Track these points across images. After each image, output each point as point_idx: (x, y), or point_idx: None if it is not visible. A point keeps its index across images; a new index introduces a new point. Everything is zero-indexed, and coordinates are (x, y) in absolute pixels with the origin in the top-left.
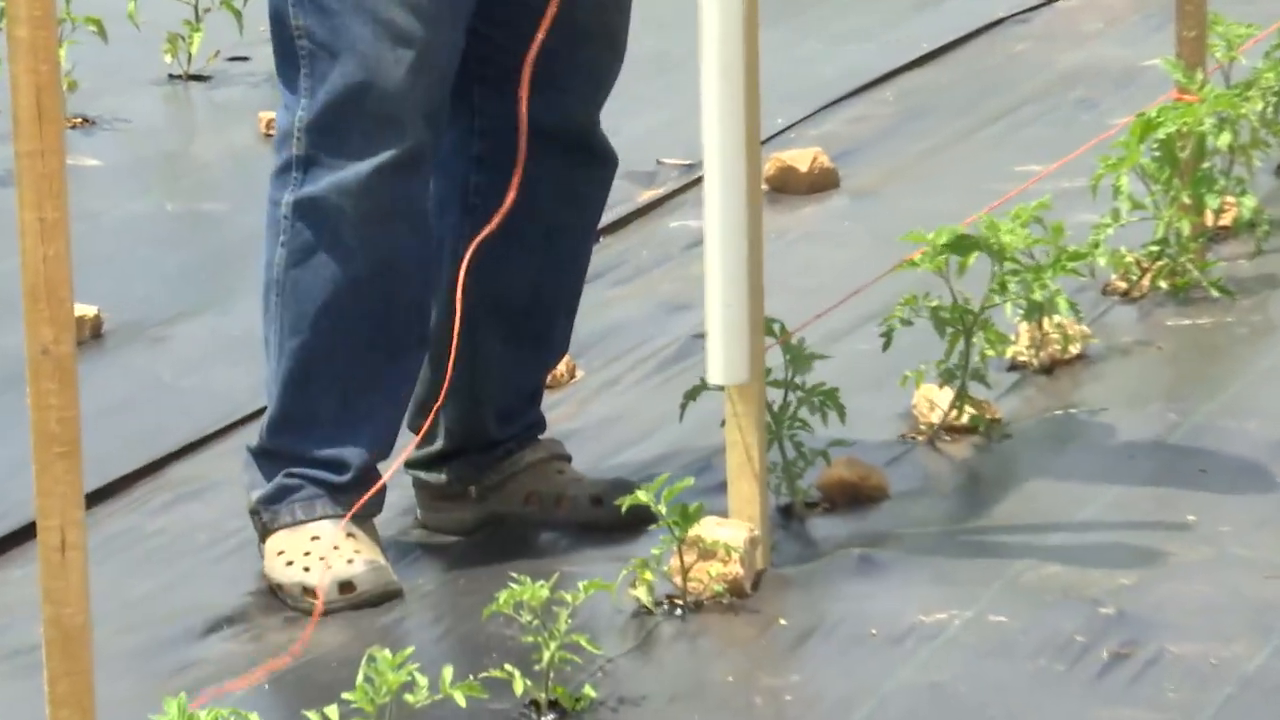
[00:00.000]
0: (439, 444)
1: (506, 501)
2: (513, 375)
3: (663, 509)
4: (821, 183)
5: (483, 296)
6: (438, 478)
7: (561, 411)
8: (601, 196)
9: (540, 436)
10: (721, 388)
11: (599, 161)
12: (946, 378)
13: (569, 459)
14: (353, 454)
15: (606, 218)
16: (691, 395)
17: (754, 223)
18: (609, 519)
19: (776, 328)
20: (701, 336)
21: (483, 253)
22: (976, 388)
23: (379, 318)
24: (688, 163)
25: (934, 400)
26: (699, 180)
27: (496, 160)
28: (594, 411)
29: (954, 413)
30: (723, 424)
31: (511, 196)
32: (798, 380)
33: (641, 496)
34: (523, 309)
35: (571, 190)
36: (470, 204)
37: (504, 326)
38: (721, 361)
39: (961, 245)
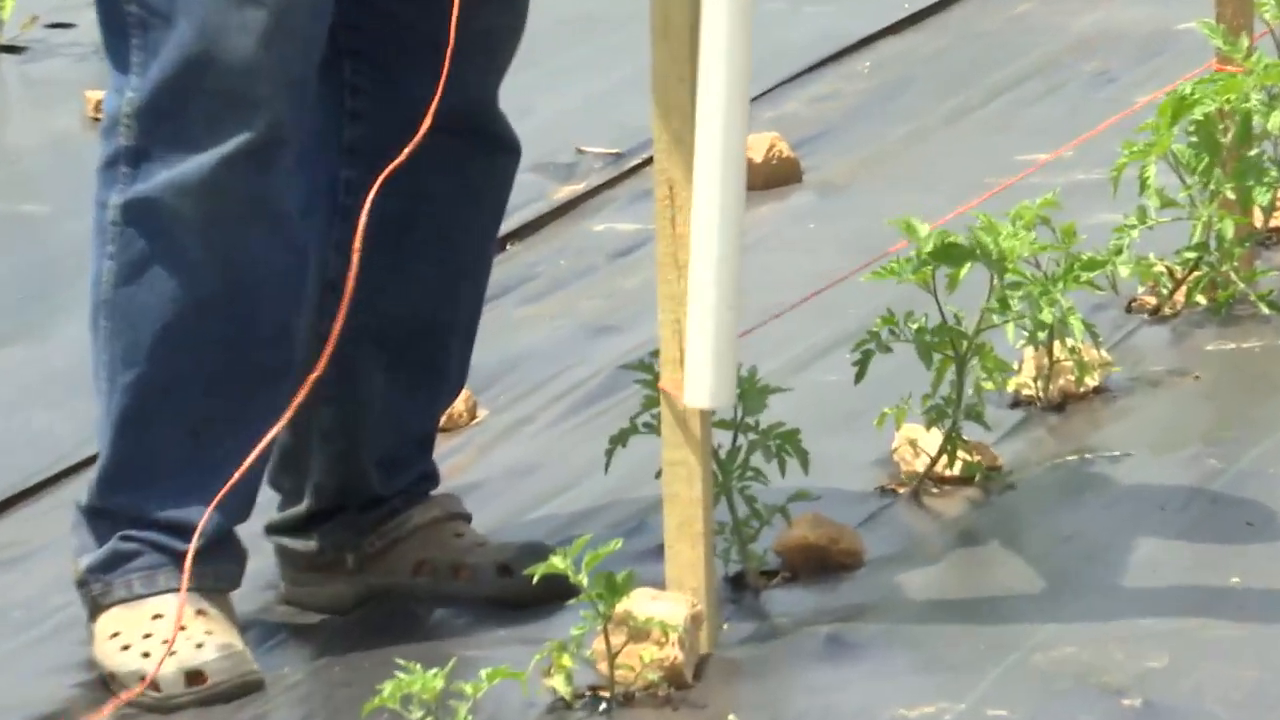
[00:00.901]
0: (306, 503)
1: (392, 572)
2: (398, 415)
3: (584, 579)
4: (779, 176)
5: (360, 317)
6: (306, 544)
7: (459, 460)
8: (503, 193)
9: (433, 492)
10: (711, 412)
11: (499, 149)
12: (934, 416)
13: (468, 519)
14: (203, 514)
15: (512, 220)
16: (620, 440)
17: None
18: (518, 592)
19: None
20: (632, 367)
21: (359, 263)
22: (971, 428)
23: (232, 345)
24: (615, 151)
25: (919, 444)
26: (630, 173)
27: (373, 149)
28: (499, 460)
29: (943, 459)
30: (658, 474)
31: (379, 188)
32: (750, 419)
33: (558, 564)
34: (409, 333)
35: (466, 185)
36: (342, 204)
37: (386, 355)
38: (710, 378)
39: (952, 253)
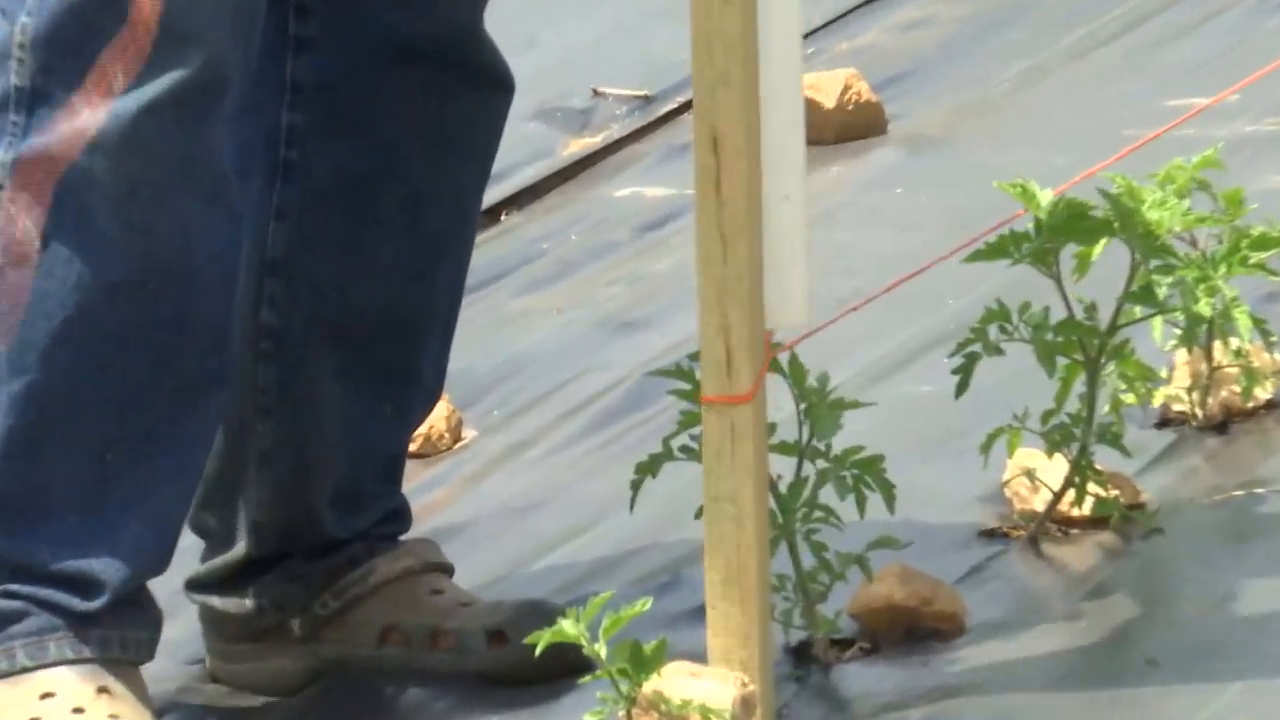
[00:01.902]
0: (239, 548)
1: (351, 641)
2: (358, 433)
3: (602, 650)
4: (856, 126)
5: (309, 306)
6: (240, 604)
7: (439, 494)
8: (491, 141)
9: (403, 536)
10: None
11: (486, 84)
12: (1058, 439)
13: (450, 571)
14: (108, 566)
15: (509, 183)
16: (649, 469)
17: (752, 191)
18: (515, 665)
19: (785, 359)
20: (665, 374)
21: (308, 238)
22: (1107, 454)
23: (153, 345)
24: (642, 94)
25: (1037, 475)
26: (661, 122)
27: (325, 87)
28: (491, 494)
29: (1070, 495)
30: (699, 514)
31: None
32: (819, 443)
33: (568, 629)
34: (373, 326)
35: (445, 133)
36: (285, 159)
37: (342, 354)
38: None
39: (1081, 226)
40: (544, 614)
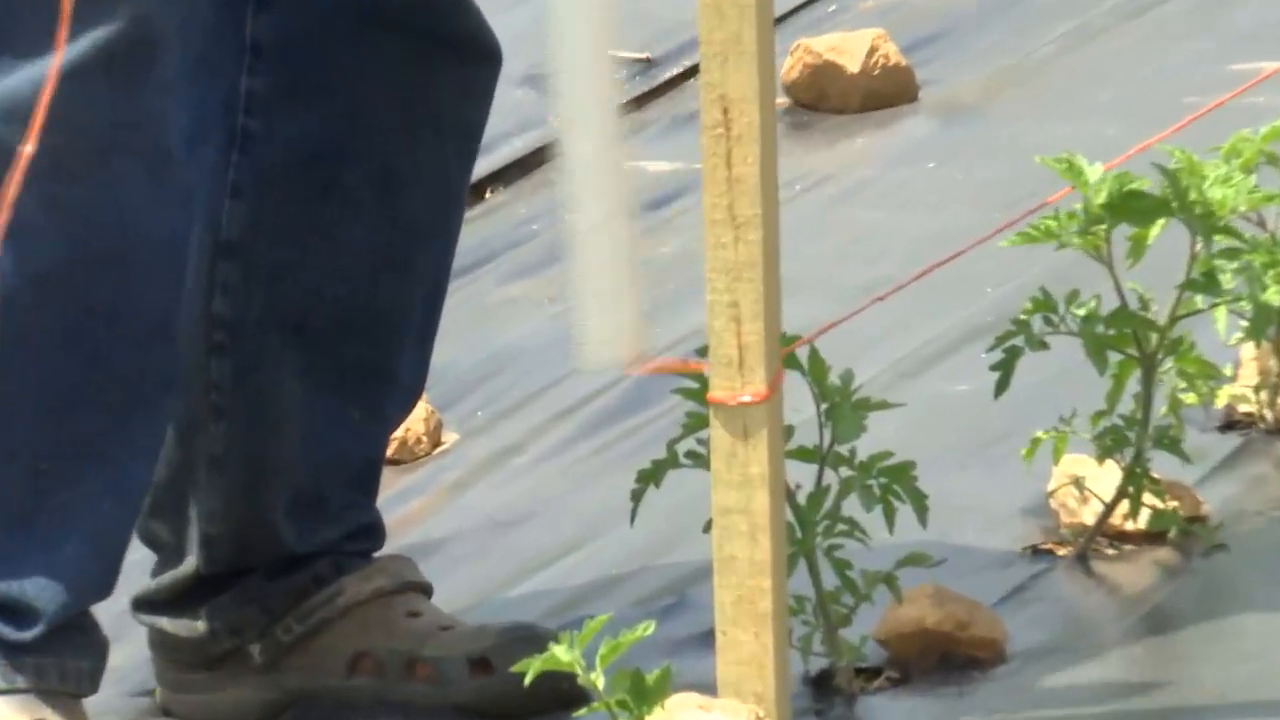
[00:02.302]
0: (191, 562)
1: (318, 670)
2: (324, 438)
3: (599, 679)
4: (884, 93)
5: (269, 295)
6: (192, 627)
7: (417, 506)
8: (476, 117)
9: (376, 553)
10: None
11: (471, 56)
12: (1110, 443)
13: (428, 591)
14: (44, 590)
15: (495, 157)
16: (652, 477)
17: (767, 167)
18: (500, 696)
19: (804, 354)
20: (670, 370)
21: (267, 218)
22: (1164, 461)
23: (87, 345)
24: (644, 57)
25: (1087, 484)
26: (665, 88)
27: (290, 51)
28: (474, 505)
29: (1123, 506)
30: (707, 527)
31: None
32: (842, 449)
33: (561, 656)
34: (342, 318)
35: (424, 106)
36: (242, 128)
37: (308, 350)
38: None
39: (1136, 205)
40: (533, 639)
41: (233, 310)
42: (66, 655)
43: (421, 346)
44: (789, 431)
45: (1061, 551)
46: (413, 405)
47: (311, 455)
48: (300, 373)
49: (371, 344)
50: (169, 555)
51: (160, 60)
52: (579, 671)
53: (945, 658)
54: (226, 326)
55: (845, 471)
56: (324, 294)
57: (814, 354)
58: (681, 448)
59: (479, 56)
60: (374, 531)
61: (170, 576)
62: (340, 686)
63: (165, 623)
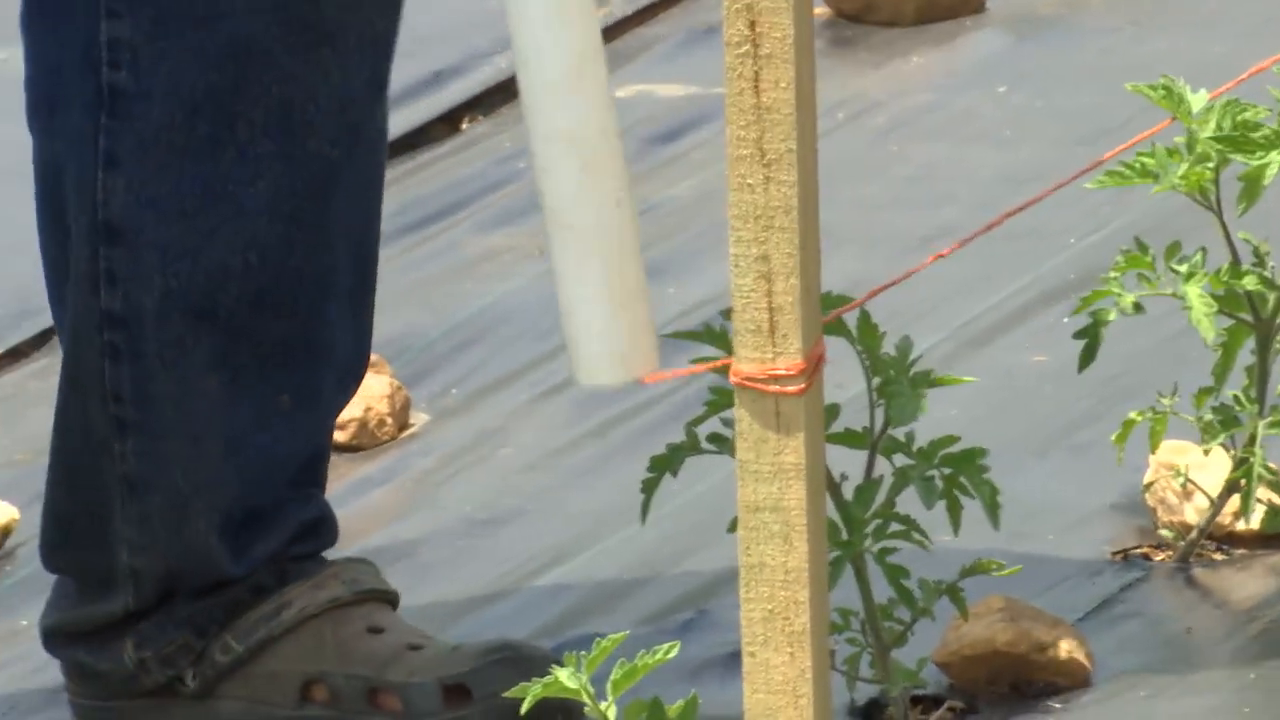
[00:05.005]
0: (119, 599)
1: (262, 696)
2: (248, 441)
3: (610, 710)
4: (944, 2)
5: (163, 283)
6: (115, 660)
7: (380, 501)
8: (385, 23)
9: (327, 552)
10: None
11: None
12: (1217, 427)
13: (394, 601)
14: None
15: (476, 77)
16: (667, 465)
17: (803, 92)
18: None
19: (851, 320)
20: (688, 337)
21: (151, 188)
22: None
23: None
24: None
25: (1189, 474)
26: None
27: None
28: (448, 500)
29: (1234, 503)
30: (732, 527)
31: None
32: (896, 433)
33: (565, 680)
34: (247, 295)
35: (313, 22)
36: (113, 84)
37: (212, 338)
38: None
39: (1248, 139)
40: (519, 661)
41: (125, 304)
42: None
43: (357, 311)
44: (833, 412)
45: (1159, 557)
46: (356, 382)
47: (239, 464)
48: (214, 365)
49: (292, 317)
50: (89, 588)
51: None
52: (588, 700)
53: (1019, 684)
54: (120, 324)
55: (901, 460)
56: (230, 268)
57: (864, 318)
58: (703, 430)
59: None
60: (322, 528)
61: (92, 610)
62: (289, 717)
63: (84, 655)
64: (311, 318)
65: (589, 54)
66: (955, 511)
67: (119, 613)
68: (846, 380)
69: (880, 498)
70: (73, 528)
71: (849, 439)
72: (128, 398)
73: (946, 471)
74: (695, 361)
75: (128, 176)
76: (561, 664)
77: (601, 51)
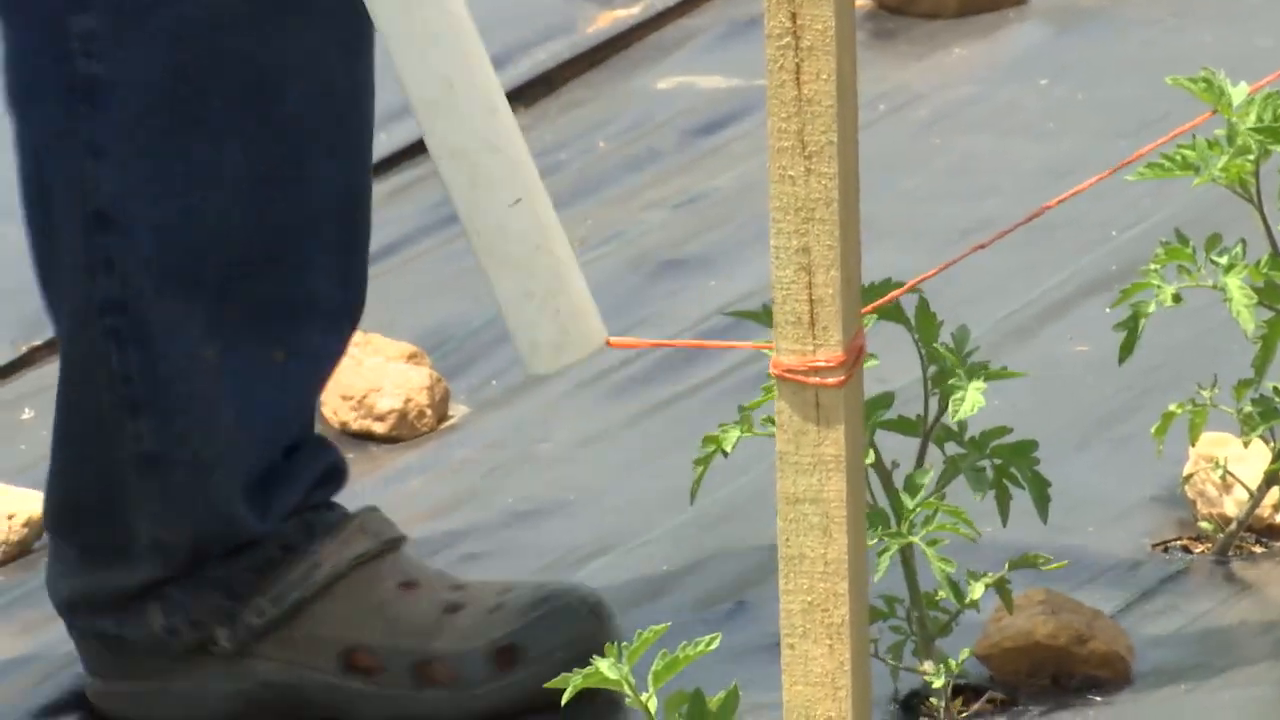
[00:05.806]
0: (143, 568)
1: (302, 660)
2: (254, 401)
3: (651, 702)
4: None
5: (160, 264)
6: (143, 628)
7: (419, 487)
8: None
9: (342, 506)
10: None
11: None
12: (1258, 419)
13: (403, 544)
14: None
15: (519, 69)
16: (718, 444)
17: (844, 84)
18: (526, 696)
19: (909, 308)
20: (742, 315)
21: (140, 171)
22: None
23: None
24: None
25: (1230, 467)
26: None
27: None
28: (488, 492)
29: (1274, 495)
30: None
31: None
32: (949, 423)
33: (606, 671)
34: (235, 260)
35: None
36: (89, 76)
37: (203, 306)
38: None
39: None
40: (565, 611)
41: (124, 288)
42: None
43: (345, 260)
44: (887, 399)
45: (1198, 549)
46: (349, 329)
47: (251, 426)
48: (209, 333)
49: (275, 272)
50: (107, 559)
51: None
52: (629, 692)
53: (1059, 677)
54: (121, 309)
55: (954, 449)
56: (216, 238)
57: (923, 306)
58: (759, 414)
59: None
60: (336, 472)
61: (106, 579)
62: (329, 684)
63: (110, 626)
64: (291, 272)
65: (458, 70)
66: (1004, 503)
67: (141, 581)
68: (890, 374)
69: (929, 487)
70: (82, 506)
71: (903, 425)
72: (138, 379)
73: (997, 462)
74: (750, 345)
75: (114, 165)
76: (603, 604)
77: (482, 61)
